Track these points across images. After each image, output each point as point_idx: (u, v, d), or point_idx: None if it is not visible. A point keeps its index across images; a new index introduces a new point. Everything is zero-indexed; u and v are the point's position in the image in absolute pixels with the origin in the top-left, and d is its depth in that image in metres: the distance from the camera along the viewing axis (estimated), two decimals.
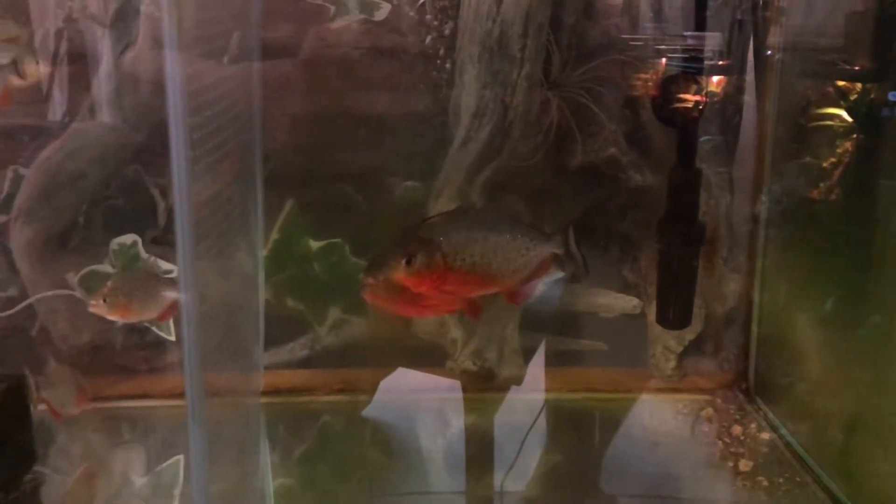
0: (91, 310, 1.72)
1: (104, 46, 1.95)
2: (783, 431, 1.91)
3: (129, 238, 1.95)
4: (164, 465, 1.81)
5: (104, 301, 1.71)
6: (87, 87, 1.97)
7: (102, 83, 1.96)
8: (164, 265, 1.93)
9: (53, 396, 1.73)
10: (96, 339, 2.01)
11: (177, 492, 1.72)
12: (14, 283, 2.00)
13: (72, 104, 1.98)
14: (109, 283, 1.75)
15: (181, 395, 1.36)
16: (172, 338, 1.96)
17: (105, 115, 1.99)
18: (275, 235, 2.02)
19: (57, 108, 1.99)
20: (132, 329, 2.01)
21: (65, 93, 1.98)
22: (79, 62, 1.96)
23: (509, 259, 1.41)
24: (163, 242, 1.98)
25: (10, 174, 1.97)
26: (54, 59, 1.96)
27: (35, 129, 2.00)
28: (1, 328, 2.01)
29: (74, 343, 2.01)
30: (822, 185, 1.81)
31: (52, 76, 1.98)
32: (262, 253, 2.00)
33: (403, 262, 1.35)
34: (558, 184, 2.06)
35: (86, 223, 2.00)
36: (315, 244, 2.04)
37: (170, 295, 1.76)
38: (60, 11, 1.94)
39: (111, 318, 1.73)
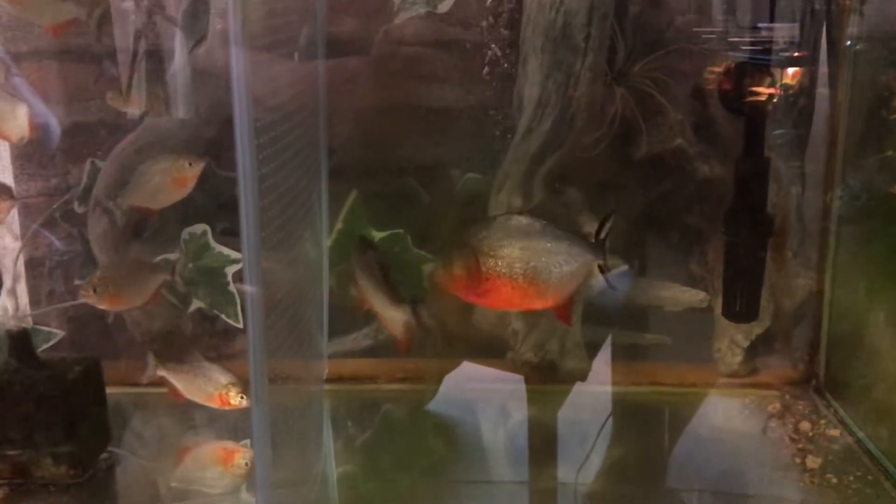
0: (81, 299, 1.76)
1: (177, 44, 2.01)
2: (854, 429, 1.86)
3: (199, 228, 2.00)
4: None
5: (94, 291, 1.74)
6: (162, 83, 2.04)
7: (175, 79, 2.03)
8: (233, 254, 1.99)
9: (185, 380, 1.76)
10: (168, 326, 2.07)
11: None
12: (92, 271, 2.08)
13: (148, 100, 2.05)
14: (98, 273, 1.77)
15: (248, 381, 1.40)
16: (240, 325, 2.01)
17: (177, 110, 2.05)
18: (339, 226, 2.06)
19: (135, 105, 2.06)
20: (202, 317, 2.07)
21: (142, 90, 2.05)
22: (154, 59, 2.03)
23: (553, 266, 1.39)
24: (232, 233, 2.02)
25: (87, 166, 2.05)
26: (133, 59, 2.03)
27: (112, 124, 2.07)
28: (79, 315, 2.09)
29: (147, 329, 2.08)
30: None
31: (130, 75, 2.05)
32: (327, 243, 2.03)
33: (442, 266, 1.41)
34: (623, 175, 2.04)
35: (159, 214, 2.07)
36: (378, 234, 2.07)
37: (157, 280, 1.79)
38: (140, 14, 2.01)
39: (101, 307, 1.76)
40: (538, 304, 1.44)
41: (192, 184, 1.85)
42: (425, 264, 2.07)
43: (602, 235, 1.46)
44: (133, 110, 1.99)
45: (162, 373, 1.77)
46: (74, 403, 1.68)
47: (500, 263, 1.38)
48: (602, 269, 1.49)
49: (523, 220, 1.42)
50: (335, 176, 1.99)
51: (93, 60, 2.04)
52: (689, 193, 2.04)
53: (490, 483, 1.77)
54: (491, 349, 2.06)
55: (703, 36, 1.94)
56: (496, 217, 1.48)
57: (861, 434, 1.84)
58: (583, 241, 1.43)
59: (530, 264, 1.38)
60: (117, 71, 2.05)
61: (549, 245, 1.39)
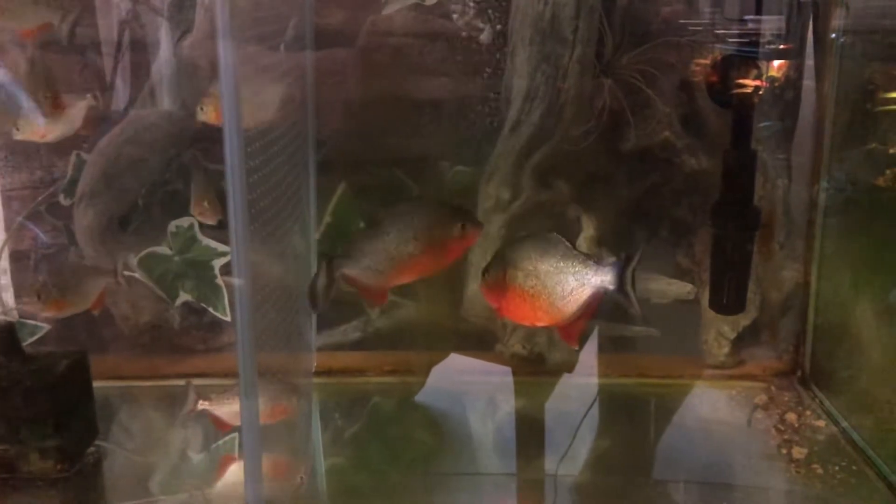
0: (25, 307, 1.73)
1: (162, 35, 2.00)
2: (839, 420, 1.87)
3: (186, 221, 1.99)
4: (220, 441, 1.85)
5: (38, 298, 1.73)
6: (147, 75, 2.03)
7: (161, 71, 2.01)
8: (220, 247, 1.98)
9: (228, 407, 1.72)
10: (155, 319, 2.07)
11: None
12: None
13: (133, 92, 2.04)
14: (41, 279, 1.76)
15: (237, 375, 1.40)
16: (228, 318, 2.01)
17: (163, 102, 2.04)
18: (327, 219, 2.05)
19: (119, 97, 2.05)
20: (190, 310, 2.06)
21: (127, 81, 2.04)
22: (139, 51, 2.02)
23: (560, 283, 1.42)
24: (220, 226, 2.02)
25: (73, 159, 2.03)
26: (117, 50, 2.01)
27: (98, 116, 2.05)
28: None
29: (135, 323, 2.07)
30: (888, 171, 1.76)
31: (114, 66, 2.03)
32: (315, 236, 2.03)
33: (481, 275, 1.47)
34: (611, 168, 2.04)
35: (145, 206, 2.06)
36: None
37: (100, 284, 1.77)
38: (124, 4, 1.99)
39: (46, 314, 1.76)
40: (545, 321, 1.47)
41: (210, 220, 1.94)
42: None
43: (631, 266, 1.46)
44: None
45: (204, 406, 1.74)
46: (61, 397, 1.66)
47: (519, 276, 1.42)
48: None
49: (550, 238, 1.45)
50: (323, 168, 1.99)
51: (77, 52, 2.03)
52: (676, 186, 2.05)
53: (478, 475, 1.77)
54: (480, 341, 2.06)
55: (691, 28, 1.94)
56: (534, 234, 1.52)
57: (846, 424, 1.85)
58: (592, 266, 1.44)
59: (539, 280, 1.42)
60: (101, 62, 2.03)
61: (560, 264, 1.42)
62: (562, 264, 1.43)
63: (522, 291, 1.43)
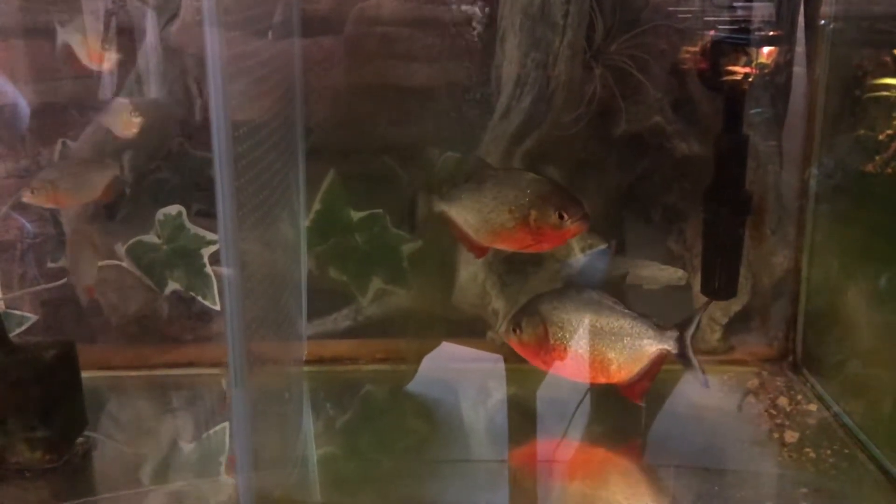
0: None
1: (148, 22, 1.98)
2: (831, 404, 1.88)
3: (174, 209, 1.98)
4: (211, 431, 1.84)
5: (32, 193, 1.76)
6: (134, 62, 2.01)
7: (147, 58, 2.00)
8: (209, 235, 1.97)
9: None
10: (144, 309, 2.05)
11: (223, 458, 1.75)
12: (64, 253, 2.05)
13: (120, 80, 2.02)
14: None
15: (227, 364, 1.39)
16: (217, 307, 1.99)
17: (150, 90, 2.02)
18: (316, 206, 2.04)
19: (106, 85, 2.03)
20: (179, 299, 2.05)
21: (114, 69, 2.02)
22: (125, 38, 2.00)
23: (616, 346, 1.43)
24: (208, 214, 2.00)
25: (58, 147, 2.01)
26: (104, 38, 1.99)
27: (84, 104, 2.04)
28: (53, 298, 2.07)
29: (123, 313, 2.05)
30: (877, 157, 1.76)
31: (101, 54, 2.01)
32: (305, 223, 2.01)
33: (511, 330, 1.48)
34: (602, 154, 2.04)
35: (132, 195, 2.04)
36: (356, 215, 2.05)
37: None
38: None
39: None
40: (601, 379, 1.47)
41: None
42: (404, 244, 2.06)
43: (690, 330, 1.47)
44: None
45: None
46: (49, 388, 1.65)
47: (567, 335, 1.42)
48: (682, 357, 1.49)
49: (594, 295, 1.44)
50: (312, 156, 1.97)
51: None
52: (667, 171, 2.05)
53: (470, 462, 1.77)
54: (471, 329, 2.06)
55: (681, 14, 1.93)
56: (570, 288, 1.51)
57: (837, 408, 1.86)
58: (650, 325, 1.44)
59: (595, 341, 1.42)
60: None
61: (615, 324, 1.42)
62: (618, 325, 1.43)
63: (573, 351, 1.43)
